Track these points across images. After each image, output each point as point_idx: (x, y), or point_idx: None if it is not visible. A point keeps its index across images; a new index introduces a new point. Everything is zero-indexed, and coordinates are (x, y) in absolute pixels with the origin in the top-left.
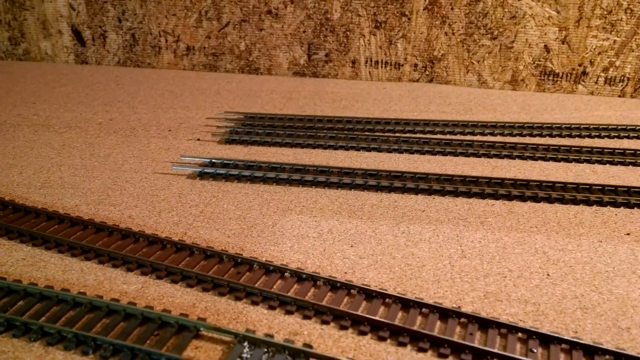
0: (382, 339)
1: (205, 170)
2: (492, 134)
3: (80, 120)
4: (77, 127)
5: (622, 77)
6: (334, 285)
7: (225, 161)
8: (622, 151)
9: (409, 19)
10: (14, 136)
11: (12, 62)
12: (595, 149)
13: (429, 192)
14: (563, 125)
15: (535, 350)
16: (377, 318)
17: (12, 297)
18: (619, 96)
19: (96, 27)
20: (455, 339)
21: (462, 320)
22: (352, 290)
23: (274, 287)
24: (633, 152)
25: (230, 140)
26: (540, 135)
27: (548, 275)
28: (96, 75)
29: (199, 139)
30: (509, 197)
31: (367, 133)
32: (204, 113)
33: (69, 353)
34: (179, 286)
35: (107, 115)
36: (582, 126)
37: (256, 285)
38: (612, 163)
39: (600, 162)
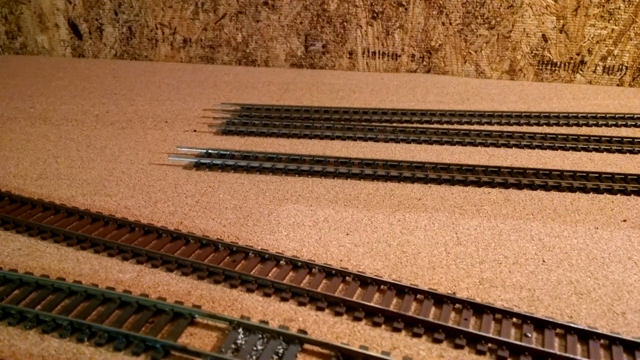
0: (376, 324)
1: (202, 161)
2: (489, 124)
3: (77, 113)
4: (74, 120)
5: (621, 66)
6: (329, 272)
7: (221, 152)
8: (620, 139)
9: (405, 9)
10: (11, 129)
11: (9, 56)
12: (592, 137)
13: (425, 180)
14: (561, 114)
15: (529, 335)
16: (371, 304)
17: (8, 286)
18: (618, 85)
19: (93, 20)
20: (450, 324)
21: (457, 306)
22: (347, 277)
23: (270, 274)
24: (631, 140)
25: (227, 131)
26: (538, 125)
27: (543, 261)
28: (93, 68)
29: (195, 130)
30: (505, 185)
31: (364, 123)
32: (200, 105)
33: (64, 340)
34: (174, 274)
35: (104, 108)
36: (579, 115)
37: (251, 273)
38: (609, 151)
39: (597, 150)
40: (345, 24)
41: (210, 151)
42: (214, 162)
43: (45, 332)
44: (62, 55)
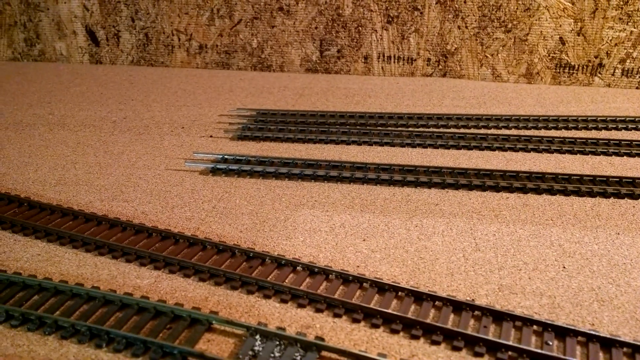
0: (394, 331)
1: (218, 166)
2: (506, 127)
3: (95, 119)
4: (92, 126)
5: None
6: (346, 278)
7: (237, 157)
8: None
9: (421, 13)
10: (30, 135)
11: (27, 63)
12: (612, 141)
13: (443, 185)
14: (579, 118)
15: (550, 343)
16: (389, 311)
17: (27, 292)
18: (637, 88)
19: (110, 27)
20: (469, 331)
21: (476, 313)
22: (364, 284)
23: (286, 280)
24: None
25: (243, 137)
26: (556, 128)
27: (564, 267)
28: (110, 74)
29: (211, 136)
30: (524, 190)
31: (379, 128)
32: (216, 110)
33: (82, 346)
34: (191, 280)
35: (121, 114)
36: (598, 118)
37: (268, 279)
38: (629, 155)
39: (617, 154)
40: (360, 28)
41: (226, 157)
42: (230, 167)
43: (64, 338)
44: (79, 62)
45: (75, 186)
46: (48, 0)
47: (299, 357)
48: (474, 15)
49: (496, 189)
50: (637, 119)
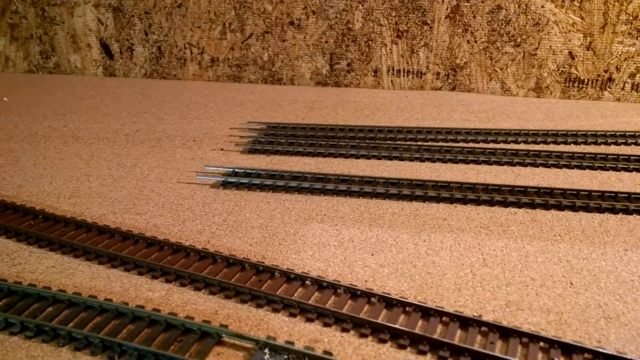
0: (402, 347)
1: (229, 180)
2: (515, 142)
3: (108, 132)
4: (105, 138)
5: None
6: (354, 293)
7: (248, 170)
8: None
9: (430, 27)
10: (45, 147)
11: (43, 75)
12: (621, 156)
13: (451, 200)
14: (588, 133)
15: None
16: (397, 326)
17: (41, 304)
18: None
19: (124, 40)
20: (476, 347)
21: (483, 329)
22: (372, 299)
23: (295, 294)
24: None
25: (253, 150)
26: (565, 143)
27: (571, 284)
28: (123, 87)
29: (222, 149)
30: (532, 206)
31: (389, 142)
32: (227, 123)
33: (95, 358)
34: (202, 293)
35: (134, 127)
36: (608, 133)
37: (277, 292)
38: (638, 170)
39: (626, 170)
40: (370, 42)
41: (237, 170)
42: (240, 181)
43: (78, 350)
44: (94, 75)
45: (89, 198)
46: (63, 14)
47: None
48: (483, 30)
49: (504, 204)
50: None
